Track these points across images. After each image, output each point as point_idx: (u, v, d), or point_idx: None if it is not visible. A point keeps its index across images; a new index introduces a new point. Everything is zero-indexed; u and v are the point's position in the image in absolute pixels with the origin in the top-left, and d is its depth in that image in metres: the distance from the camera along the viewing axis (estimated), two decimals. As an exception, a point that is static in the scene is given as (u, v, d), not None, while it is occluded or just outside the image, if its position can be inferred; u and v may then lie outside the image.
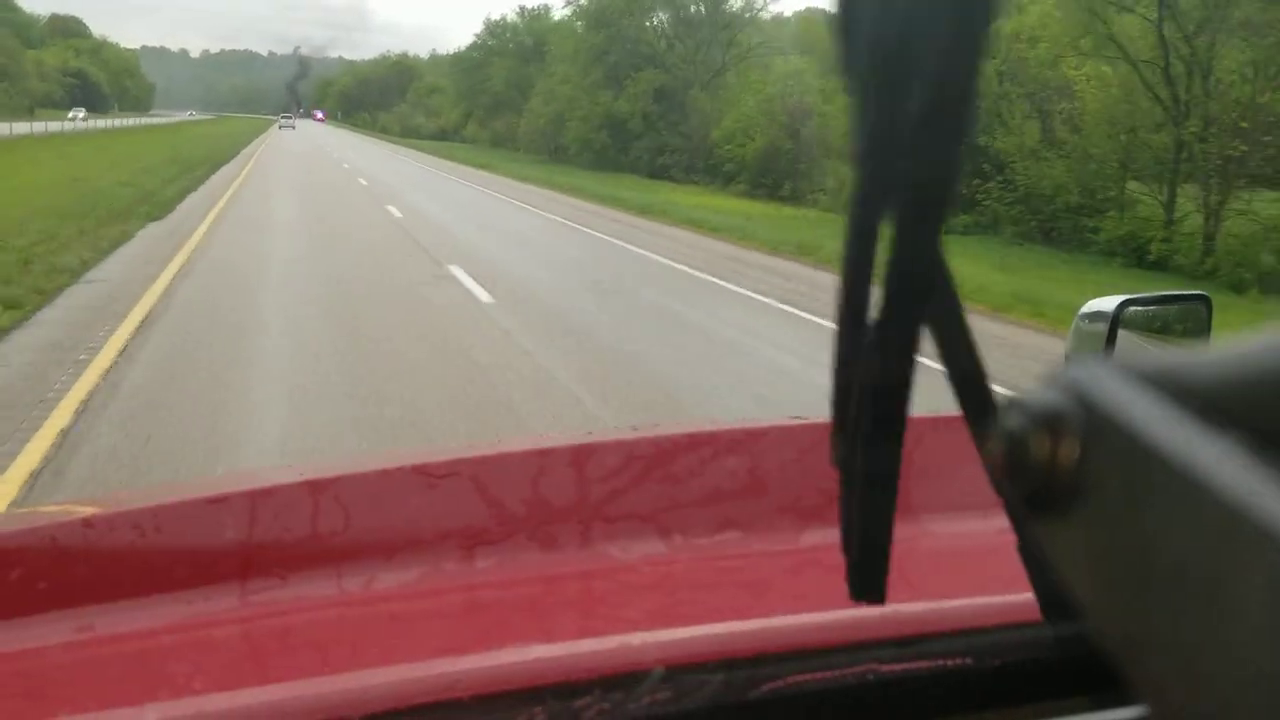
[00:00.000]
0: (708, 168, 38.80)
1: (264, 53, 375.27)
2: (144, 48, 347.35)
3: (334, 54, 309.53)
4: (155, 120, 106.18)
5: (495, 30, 72.64)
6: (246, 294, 10.08)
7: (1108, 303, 1.47)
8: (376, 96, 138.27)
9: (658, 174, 40.93)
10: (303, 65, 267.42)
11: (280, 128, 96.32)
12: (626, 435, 1.09)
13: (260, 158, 38.59)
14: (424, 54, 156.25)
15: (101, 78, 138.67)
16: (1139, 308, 1.50)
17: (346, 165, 34.91)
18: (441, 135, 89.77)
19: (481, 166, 41.04)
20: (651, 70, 44.51)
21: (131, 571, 0.86)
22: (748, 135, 35.57)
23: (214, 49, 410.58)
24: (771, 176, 33.93)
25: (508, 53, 70.21)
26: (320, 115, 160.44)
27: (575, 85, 46.83)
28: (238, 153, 42.14)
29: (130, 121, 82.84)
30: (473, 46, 73.93)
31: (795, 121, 33.48)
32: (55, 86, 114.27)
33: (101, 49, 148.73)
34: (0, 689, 0.72)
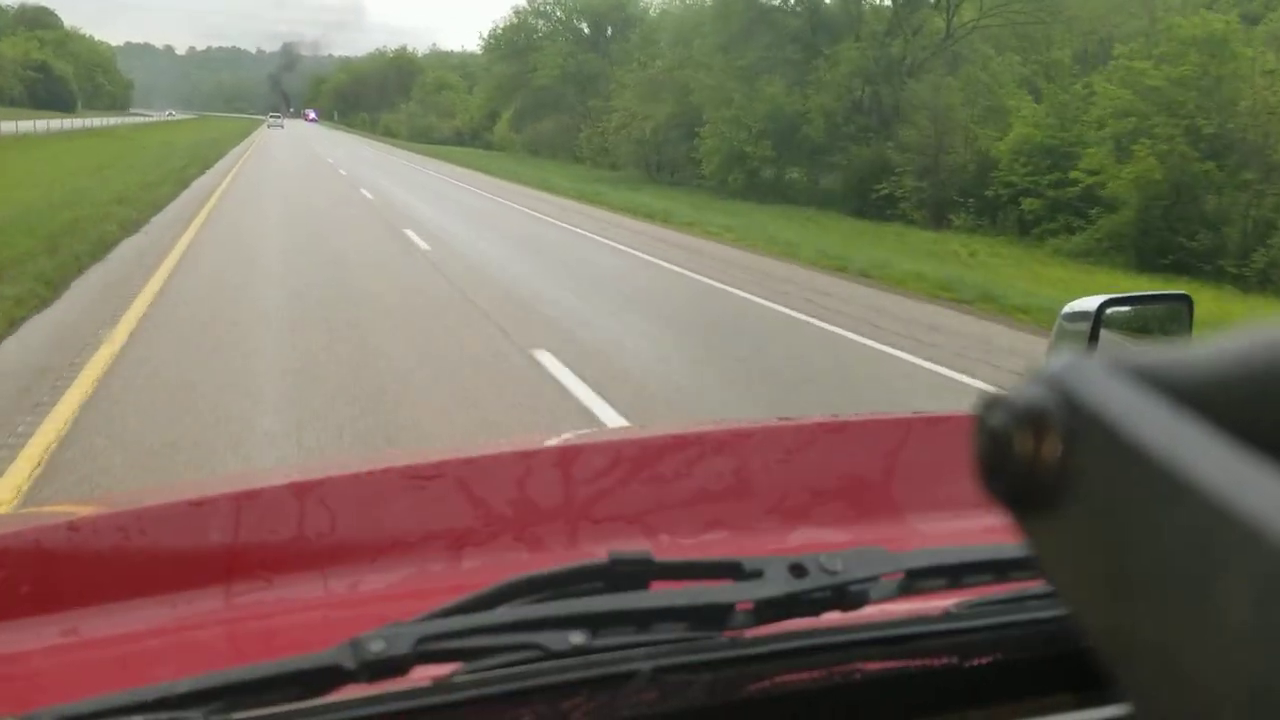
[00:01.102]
0: (982, 206, 23.15)
1: (252, 50, 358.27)
2: (127, 44, 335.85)
3: (325, 52, 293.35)
4: (126, 121, 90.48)
5: (541, 9, 56.97)
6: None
7: (1090, 302, 1.46)
8: (374, 95, 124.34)
9: (874, 212, 25.32)
10: (289, 57, 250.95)
11: (269, 126, 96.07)
12: (613, 437, 1.08)
13: (228, 197, 20.23)
14: (423, 50, 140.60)
15: (69, 72, 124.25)
16: (1121, 307, 1.49)
17: (411, 234, 14.86)
18: (459, 139, 75.52)
19: (598, 202, 23.71)
20: (852, 45, 28.39)
21: (116, 574, 0.84)
22: (1121, 154, 19.24)
23: (200, 46, 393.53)
24: (1196, 237, 17.69)
25: (559, 34, 54.74)
26: (312, 115, 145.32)
27: (722, 70, 30.27)
28: (186, 185, 22.50)
29: (82, 123, 66.08)
30: (515, 27, 58.19)
31: (1237, 130, 17.76)
32: (13, 81, 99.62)
33: (69, 40, 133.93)
34: None
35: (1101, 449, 0.29)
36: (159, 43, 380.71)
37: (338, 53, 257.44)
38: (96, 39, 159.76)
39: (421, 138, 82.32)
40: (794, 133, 28.59)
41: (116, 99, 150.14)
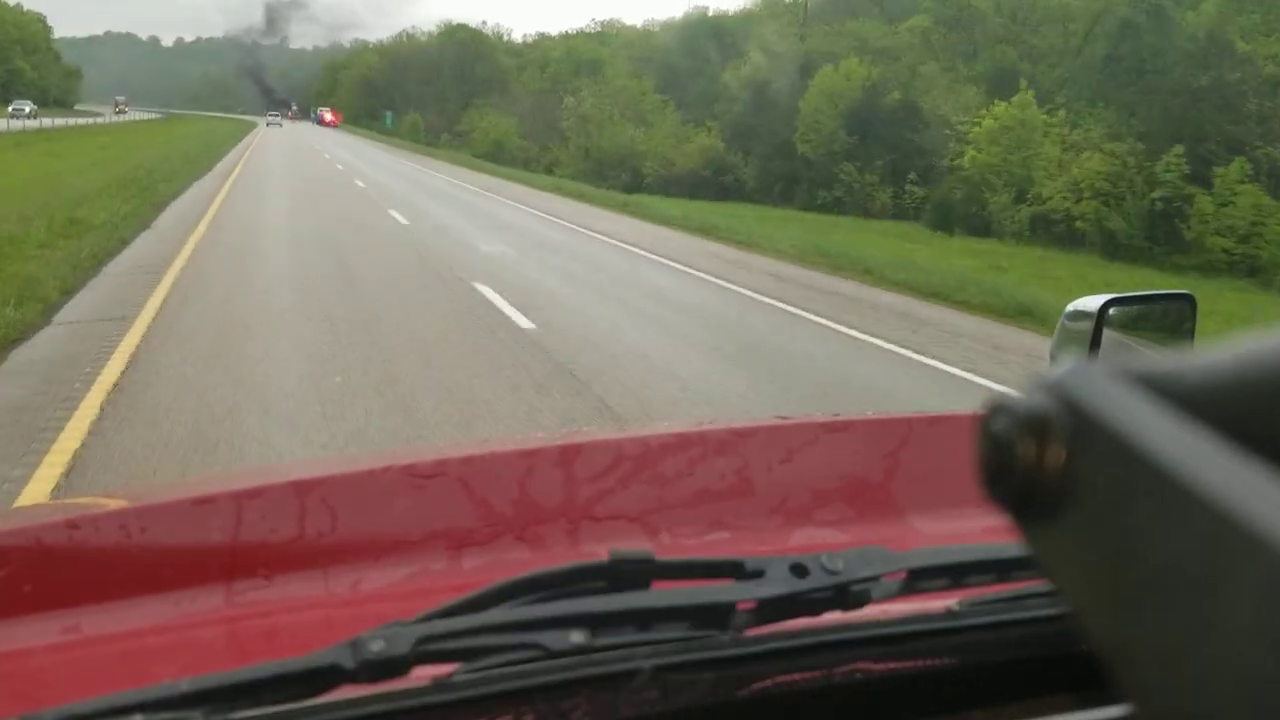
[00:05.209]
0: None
1: (247, 43, 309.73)
2: (107, 34, 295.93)
3: (326, 43, 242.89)
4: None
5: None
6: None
7: (1092, 302, 1.46)
8: (416, 89, 75.69)
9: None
10: (272, 21, 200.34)
11: (268, 124, 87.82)
12: (614, 435, 1.08)
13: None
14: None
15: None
16: (1124, 307, 1.50)
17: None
18: (731, 182, 37.85)
19: None
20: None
21: (118, 572, 0.85)
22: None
23: (189, 37, 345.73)
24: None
25: None
26: (329, 117, 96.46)
27: None
28: None
29: None
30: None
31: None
32: None
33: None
34: None
35: (1105, 456, 0.28)
36: (143, 33, 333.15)
37: (347, 44, 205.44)
38: (25, 9, 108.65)
39: (603, 174, 40.20)
40: None
41: (49, 91, 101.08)
